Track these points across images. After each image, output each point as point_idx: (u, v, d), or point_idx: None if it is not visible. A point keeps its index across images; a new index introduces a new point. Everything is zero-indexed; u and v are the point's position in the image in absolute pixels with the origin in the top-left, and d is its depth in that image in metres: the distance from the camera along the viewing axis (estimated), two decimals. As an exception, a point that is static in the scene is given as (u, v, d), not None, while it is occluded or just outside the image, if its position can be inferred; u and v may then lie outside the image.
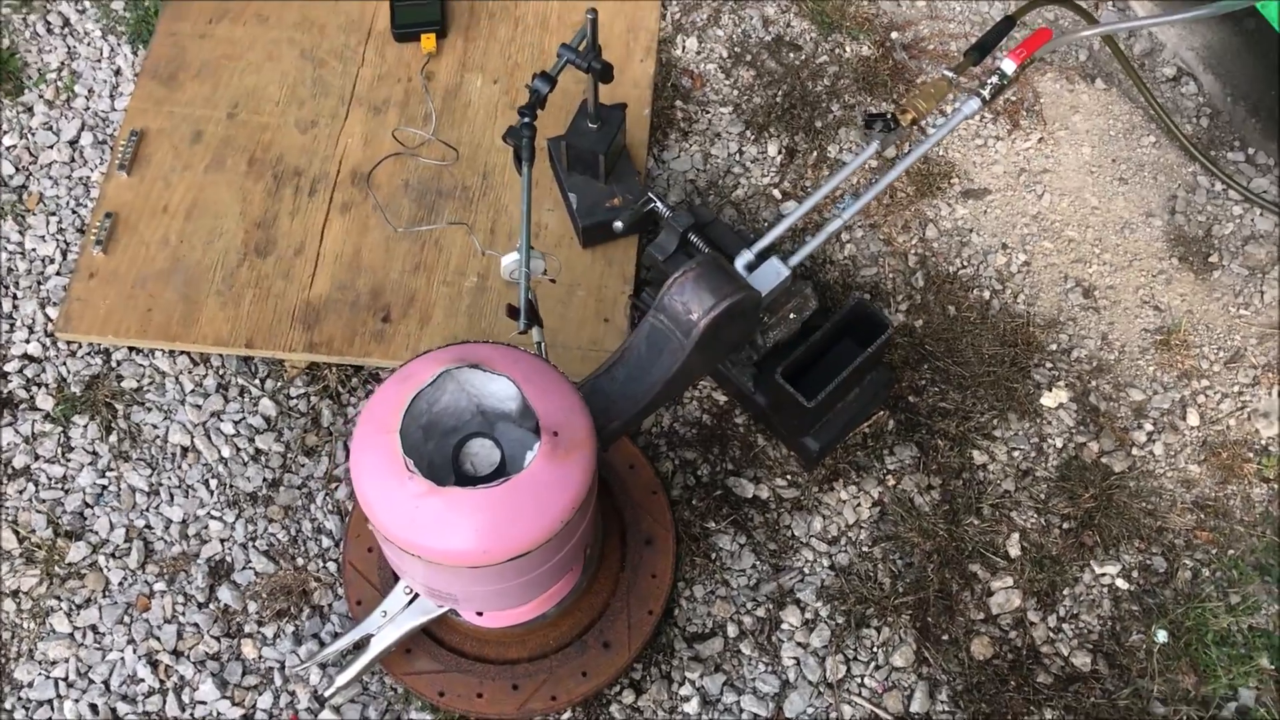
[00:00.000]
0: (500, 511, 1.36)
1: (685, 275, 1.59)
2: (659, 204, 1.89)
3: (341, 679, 1.72)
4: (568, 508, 1.39)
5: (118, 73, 2.27)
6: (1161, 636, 1.80)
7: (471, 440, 1.46)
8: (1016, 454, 1.94)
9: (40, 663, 1.79)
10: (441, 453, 1.48)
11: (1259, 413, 1.97)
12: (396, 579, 1.75)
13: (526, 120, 1.71)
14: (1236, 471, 1.93)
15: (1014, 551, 1.86)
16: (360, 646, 1.72)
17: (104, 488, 1.92)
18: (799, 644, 1.81)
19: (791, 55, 2.29)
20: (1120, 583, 1.85)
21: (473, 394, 1.49)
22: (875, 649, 1.81)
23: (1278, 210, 2.12)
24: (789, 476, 1.92)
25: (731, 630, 1.82)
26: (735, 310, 1.59)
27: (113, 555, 1.87)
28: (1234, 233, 2.13)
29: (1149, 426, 1.96)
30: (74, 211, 2.13)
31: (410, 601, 1.71)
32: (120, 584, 1.85)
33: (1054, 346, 2.02)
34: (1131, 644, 1.80)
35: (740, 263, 1.75)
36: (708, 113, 2.23)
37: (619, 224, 1.87)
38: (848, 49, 2.29)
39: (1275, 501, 1.90)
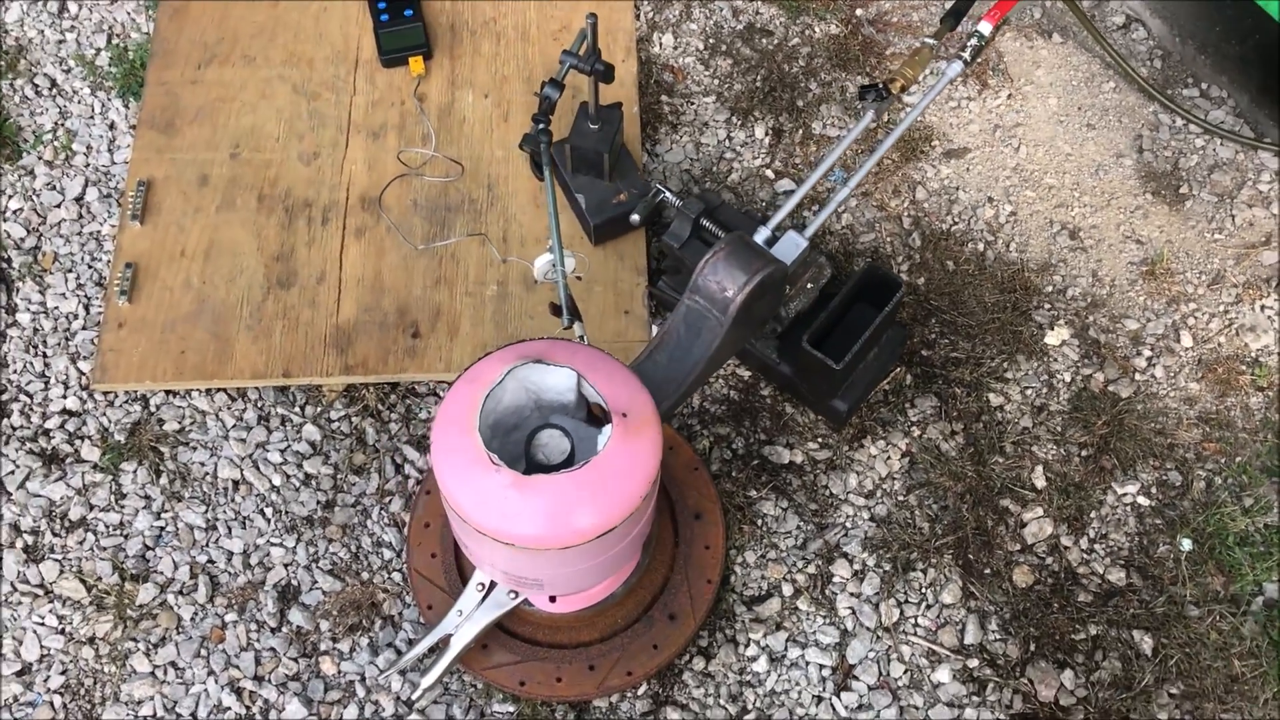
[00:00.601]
0: (585, 492, 1.44)
1: (716, 256, 1.68)
2: (668, 194, 1.98)
3: (426, 680, 1.78)
4: (646, 481, 1.47)
5: (112, 126, 2.31)
6: (1186, 545, 1.92)
7: (540, 432, 1.54)
8: (1029, 392, 2.05)
9: (126, 703, 1.83)
10: (508, 449, 1.55)
11: (1245, 327, 2.10)
12: (465, 580, 1.83)
13: (542, 126, 1.78)
14: (1233, 384, 2.05)
15: (1040, 483, 1.97)
16: (439, 648, 1.79)
17: (162, 529, 1.96)
18: (852, 594, 1.90)
19: (764, 41, 2.39)
20: (1141, 500, 1.96)
21: (531, 389, 1.57)
22: (924, 590, 1.91)
23: (1236, 138, 2.26)
24: (820, 439, 2.02)
25: (787, 589, 1.91)
26: (767, 283, 1.68)
27: (180, 592, 1.92)
28: (1199, 163, 2.26)
29: (1147, 352, 2.08)
30: (90, 266, 2.17)
31: (484, 598, 1.78)
32: (193, 619, 1.90)
33: (1049, 288, 2.14)
34: (1160, 555, 1.92)
35: (759, 239, 1.84)
36: (693, 104, 2.32)
37: (635, 216, 1.95)
38: (817, 29, 2.39)
39: (1274, 406, 2.03)
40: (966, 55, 1.89)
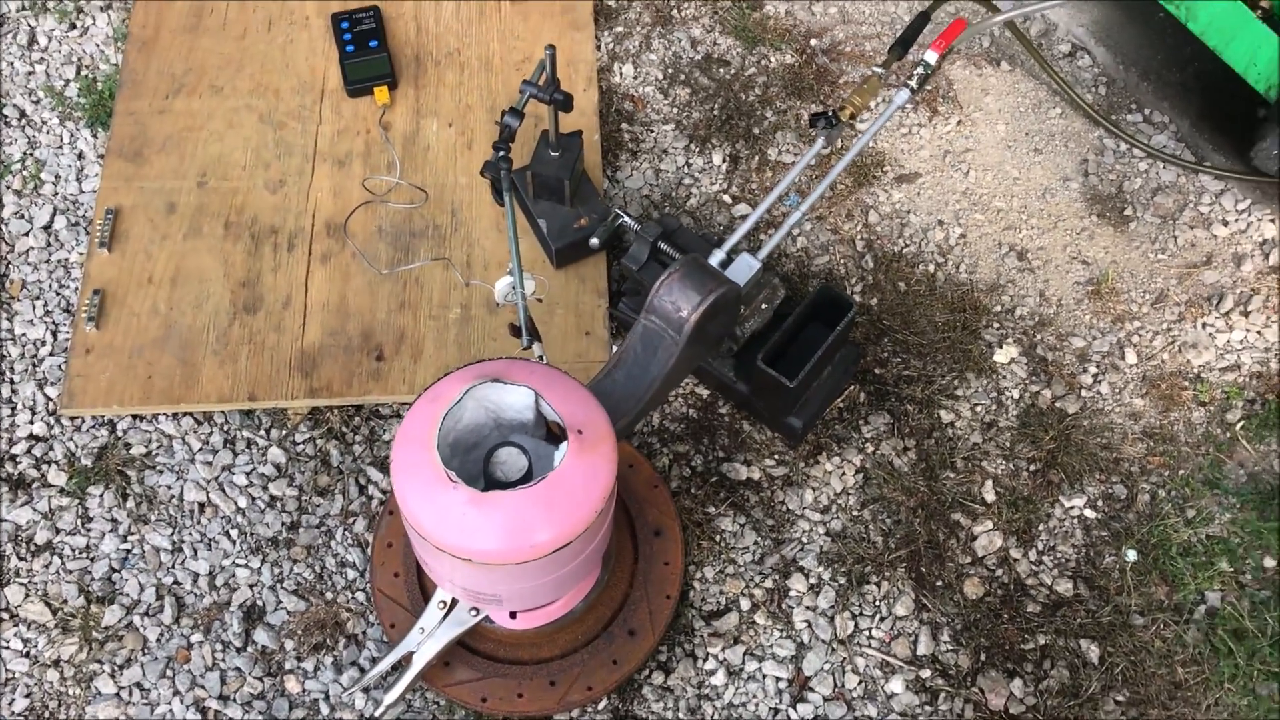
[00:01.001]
0: (541, 508, 1.48)
1: (671, 277, 1.73)
2: (626, 218, 2.03)
3: (388, 698, 1.81)
4: (600, 497, 1.52)
5: (81, 156, 2.34)
6: (1131, 555, 1.98)
7: (499, 450, 1.58)
8: (979, 409, 2.10)
9: (92, 725, 1.85)
10: (467, 468, 1.59)
11: (1188, 344, 2.17)
12: (427, 598, 1.86)
13: (502, 153, 1.83)
14: (1176, 400, 2.12)
15: (990, 497, 2.03)
16: (401, 665, 1.82)
17: (128, 551, 1.99)
18: (808, 608, 1.95)
19: (722, 70, 2.45)
20: (1088, 512, 2.02)
21: (490, 408, 1.61)
22: (878, 602, 1.95)
23: (1178, 161, 2.34)
24: (776, 456, 2.07)
25: (744, 604, 1.95)
26: (720, 303, 1.73)
27: (146, 614, 1.94)
28: (1143, 186, 2.33)
29: (1093, 369, 2.14)
30: (58, 293, 2.20)
31: (445, 615, 1.81)
32: (159, 640, 1.92)
33: (998, 308, 2.20)
34: (1106, 566, 1.97)
35: (714, 261, 1.89)
36: (652, 132, 2.38)
37: (595, 240, 2.00)
38: (772, 59, 2.46)
39: (1215, 421, 2.09)
40: (914, 83, 1.96)
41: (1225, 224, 2.29)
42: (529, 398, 1.57)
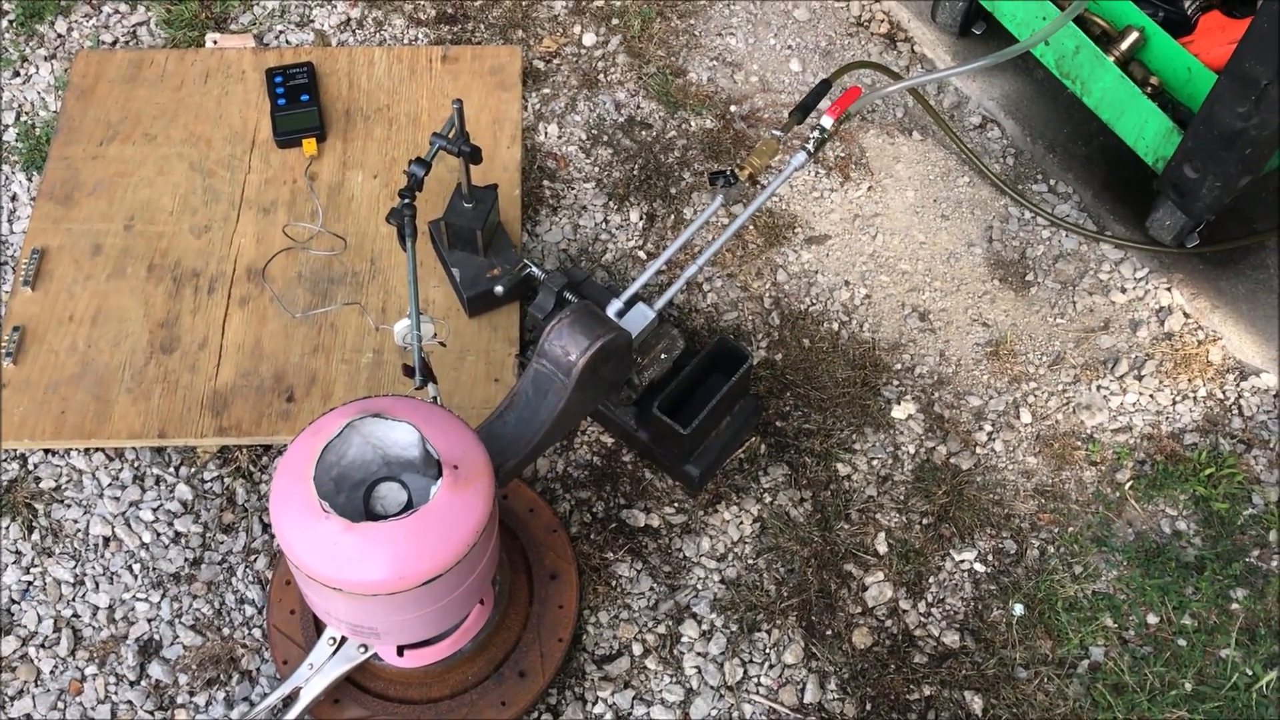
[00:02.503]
0: (411, 540, 1.52)
1: (561, 322, 1.78)
2: (534, 268, 2.10)
3: (275, 733, 1.82)
4: (472, 532, 1.55)
5: (14, 198, 2.40)
6: (1018, 610, 2.02)
7: (380, 484, 1.62)
8: (875, 463, 2.15)
9: (-22, 755, 1.86)
10: (352, 503, 1.63)
11: (1082, 405, 2.23)
12: (319, 634, 1.88)
13: (406, 201, 1.90)
14: (1068, 459, 2.17)
15: (882, 549, 2.07)
16: (290, 701, 1.84)
17: (29, 583, 2.01)
18: (699, 654, 1.98)
19: (643, 133, 2.54)
20: (978, 566, 2.06)
21: (377, 445, 1.65)
22: (768, 650, 1.98)
23: (1079, 230, 2.42)
24: (676, 504, 2.11)
25: (636, 649, 1.98)
26: (609, 349, 1.79)
27: (42, 645, 1.96)
28: (1045, 253, 2.41)
29: (988, 427, 2.20)
30: (-20, 329, 2.24)
31: (335, 651, 1.83)
32: (52, 672, 1.93)
33: (899, 366, 2.26)
34: (993, 619, 2.01)
35: (611, 310, 1.95)
36: (573, 189, 2.45)
37: (499, 288, 2.06)
38: (693, 123, 2.55)
39: (1105, 480, 2.15)
40: (810, 146, 2.04)
41: (1123, 290, 2.36)
42: (413, 434, 1.61)
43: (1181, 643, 1.99)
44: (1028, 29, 2.36)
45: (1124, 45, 2.23)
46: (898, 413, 2.20)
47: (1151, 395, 2.24)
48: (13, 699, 1.91)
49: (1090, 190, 2.49)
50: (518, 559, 2.00)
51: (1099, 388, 2.25)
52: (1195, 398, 2.23)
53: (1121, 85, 2.21)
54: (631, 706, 1.93)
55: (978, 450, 2.18)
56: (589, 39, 2.66)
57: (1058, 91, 2.55)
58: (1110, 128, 2.30)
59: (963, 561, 2.07)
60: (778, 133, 2.07)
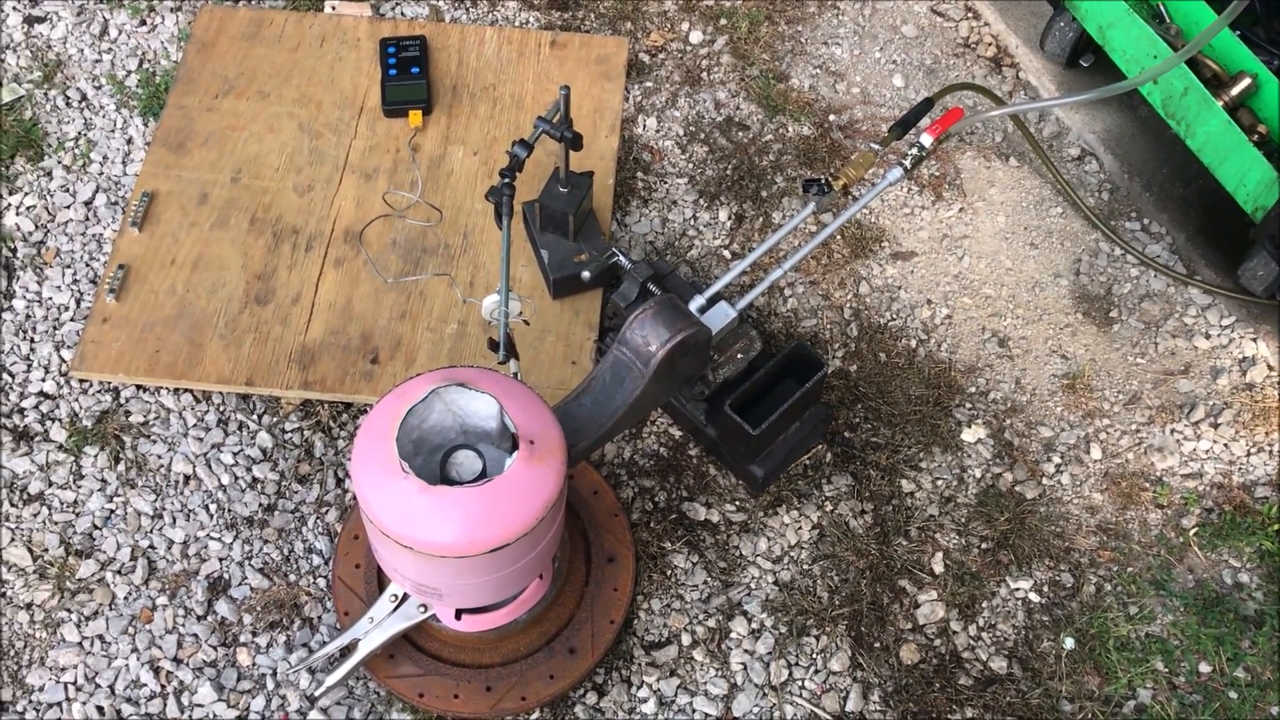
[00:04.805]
0: (483, 508, 1.57)
1: (644, 312, 1.82)
2: (622, 257, 2.13)
3: (330, 679, 1.89)
4: (542, 506, 1.60)
5: (130, 141, 2.50)
6: (1069, 643, 2.02)
7: (457, 451, 1.67)
8: (940, 483, 2.16)
9: (51, 669, 1.95)
10: (429, 466, 1.68)
11: (1154, 447, 2.22)
12: (381, 590, 1.94)
13: (506, 181, 1.95)
14: (1134, 499, 2.16)
15: (938, 569, 2.08)
16: (348, 651, 1.90)
17: (112, 511, 2.10)
18: (746, 651, 2.00)
19: (740, 134, 2.56)
20: (1033, 596, 2.06)
21: (457, 414, 1.70)
22: (814, 655, 2.00)
23: (1169, 272, 2.40)
24: (737, 502, 2.14)
25: (685, 639, 2.01)
26: (688, 343, 1.82)
27: (119, 572, 2.04)
28: (1131, 291, 2.40)
29: (1057, 459, 2.20)
30: (88, 265, 2.34)
31: (395, 608, 1.89)
32: (126, 598, 2.02)
33: (973, 389, 2.27)
34: (1043, 650, 2.01)
35: (693, 305, 1.98)
36: (665, 183, 2.49)
37: (586, 273, 2.10)
38: (790, 129, 2.57)
39: (1170, 524, 2.14)
40: (907, 163, 2.05)
41: (1208, 337, 2.34)
42: (492, 406, 1.66)
43: (1233, 695, 1.98)
44: (1137, 66, 2.35)
45: (1234, 91, 2.21)
46: (968, 435, 2.21)
47: (1226, 444, 2.22)
48: (88, 618, 2.00)
49: (1184, 233, 2.47)
50: (578, 539, 2.05)
51: (1173, 431, 2.24)
52: (1271, 451, 2.21)
53: (1228, 131, 2.19)
54: (675, 694, 1.97)
55: (1044, 481, 2.18)
56: (695, 37, 2.69)
57: (1160, 130, 2.53)
58: (1211, 172, 2.28)
59: (1018, 589, 2.07)
60: (875, 146, 2.08)
